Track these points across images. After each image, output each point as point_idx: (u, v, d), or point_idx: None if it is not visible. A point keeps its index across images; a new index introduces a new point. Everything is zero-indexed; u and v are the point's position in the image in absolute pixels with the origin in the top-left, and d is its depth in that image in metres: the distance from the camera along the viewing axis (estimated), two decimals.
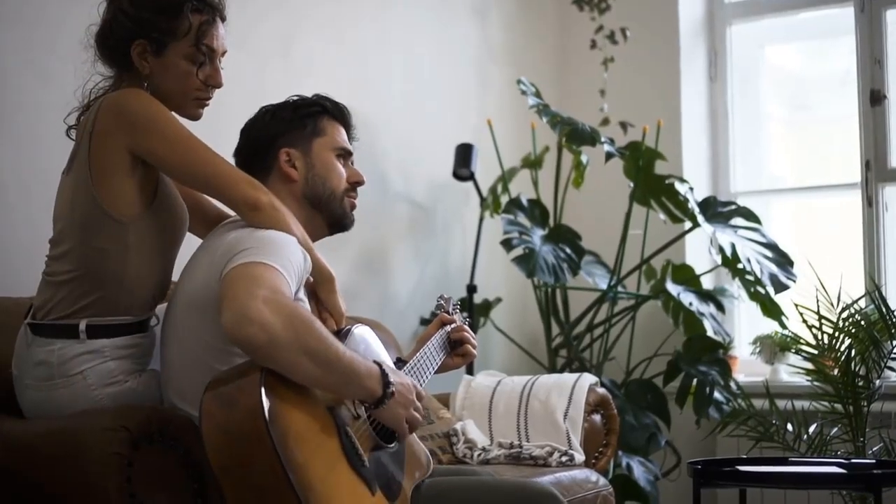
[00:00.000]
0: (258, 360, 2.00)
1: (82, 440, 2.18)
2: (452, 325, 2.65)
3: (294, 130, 2.47)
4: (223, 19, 2.46)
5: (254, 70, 3.71)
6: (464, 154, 4.30)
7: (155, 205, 2.36)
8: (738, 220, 4.30)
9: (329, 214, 2.48)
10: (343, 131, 2.54)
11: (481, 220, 4.43)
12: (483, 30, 4.85)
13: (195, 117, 2.46)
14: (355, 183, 2.53)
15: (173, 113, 2.40)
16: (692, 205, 4.16)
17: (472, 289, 4.29)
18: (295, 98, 2.53)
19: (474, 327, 4.37)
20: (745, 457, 3.32)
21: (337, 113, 2.53)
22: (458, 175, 4.33)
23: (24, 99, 3.08)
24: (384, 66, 4.36)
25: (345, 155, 2.52)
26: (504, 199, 4.44)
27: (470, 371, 4.09)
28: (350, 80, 4.18)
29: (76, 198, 2.33)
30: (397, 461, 2.26)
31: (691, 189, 4.25)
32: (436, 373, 2.59)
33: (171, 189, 2.43)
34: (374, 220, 4.27)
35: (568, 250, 4.23)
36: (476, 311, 4.39)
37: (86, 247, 2.31)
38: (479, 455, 3.37)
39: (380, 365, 2.15)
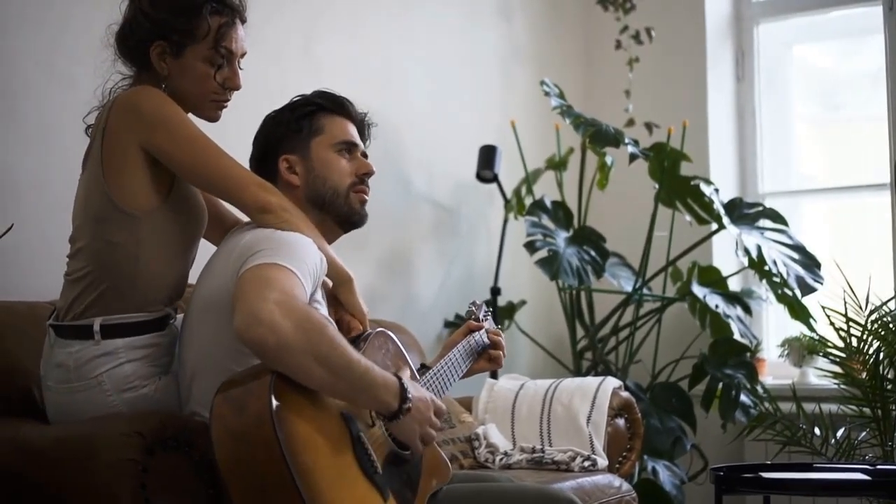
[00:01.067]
0: (268, 363, 1.98)
1: (96, 446, 2.17)
2: (488, 329, 2.62)
3: (291, 134, 2.44)
4: (243, 21, 2.44)
5: (273, 70, 3.69)
6: (487, 156, 4.27)
7: (170, 201, 2.35)
8: (764, 222, 4.25)
9: (336, 213, 2.44)
10: (346, 124, 2.48)
11: (505, 221, 4.40)
12: (507, 30, 4.82)
13: (213, 119, 2.45)
14: (364, 175, 2.47)
15: (191, 114, 2.40)
16: (717, 206, 4.12)
17: (495, 291, 4.27)
18: (296, 99, 2.50)
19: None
20: (768, 463, 3.28)
21: (335, 107, 2.48)
22: (481, 177, 4.30)
23: (40, 101, 3.08)
24: (407, 66, 4.34)
25: (348, 148, 2.47)
26: (528, 201, 4.41)
27: (494, 375, 4.06)
28: (372, 80, 4.16)
29: (89, 194, 2.33)
30: (414, 468, 2.23)
31: (717, 190, 4.20)
32: (461, 378, 2.56)
33: (189, 187, 2.41)
34: (396, 221, 4.26)
35: (592, 252, 4.19)
36: (500, 313, 4.37)
37: (98, 241, 2.31)
38: (501, 460, 3.34)
39: (399, 378, 2.11)
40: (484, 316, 2.66)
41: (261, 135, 2.49)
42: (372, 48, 4.20)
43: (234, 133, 2.54)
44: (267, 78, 3.49)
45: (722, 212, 4.12)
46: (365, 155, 2.52)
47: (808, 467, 3.16)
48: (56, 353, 2.34)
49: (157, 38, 2.35)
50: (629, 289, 4.38)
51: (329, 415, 2.05)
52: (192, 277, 2.46)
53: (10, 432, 2.36)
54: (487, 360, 2.62)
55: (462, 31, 4.62)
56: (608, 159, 4.33)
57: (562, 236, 4.22)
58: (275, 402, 1.92)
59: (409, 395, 2.10)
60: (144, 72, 2.40)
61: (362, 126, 2.53)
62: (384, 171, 4.20)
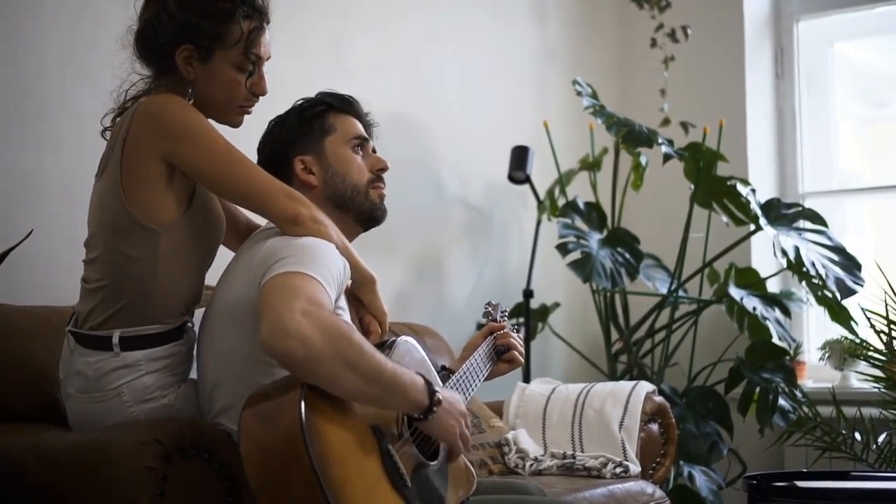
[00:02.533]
0: (297, 374, 1.95)
1: (114, 454, 2.13)
2: (499, 332, 2.60)
3: (303, 136, 2.40)
4: (268, 23, 2.38)
5: (302, 72, 3.65)
6: (519, 156, 4.22)
7: (190, 212, 2.30)
8: (803, 223, 4.17)
9: (357, 211, 2.41)
10: (355, 122, 2.46)
11: (538, 223, 4.34)
12: (541, 29, 4.77)
13: (235, 125, 2.39)
14: (379, 170, 2.45)
15: (212, 121, 2.34)
16: (754, 207, 4.03)
17: (528, 293, 4.20)
18: (300, 102, 2.47)
19: (532, 332, 4.30)
20: (804, 471, 3.20)
21: (343, 105, 2.46)
22: (513, 178, 4.25)
23: (66, 102, 3.05)
24: (438, 66, 4.30)
25: (362, 144, 2.44)
26: (561, 202, 4.35)
27: (527, 378, 4.01)
28: (403, 81, 4.13)
29: (106, 204, 2.28)
30: (441, 479, 2.20)
31: (753, 191, 4.12)
32: (483, 381, 2.54)
33: (207, 195, 2.36)
34: (428, 223, 4.22)
35: (626, 254, 4.13)
36: (533, 316, 4.31)
37: (115, 254, 2.26)
38: (531, 465, 3.29)
39: (423, 377, 2.09)
40: (501, 316, 2.65)
41: (269, 140, 2.45)
42: (403, 48, 4.16)
43: (256, 136, 2.50)
44: (295, 79, 3.43)
45: (759, 212, 4.04)
46: (374, 150, 2.49)
47: (844, 475, 3.08)
48: (76, 360, 2.30)
49: (183, 42, 2.28)
50: (664, 291, 4.31)
51: (359, 428, 2.02)
52: (211, 279, 2.43)
53: (30, 439, 2.34)
54: (507, 361, 2.60)
55: (495, 31, 4.57)
56: (642, 159, 4.26)
57: (595, 238, 4.16)
58: (305, 416, 1.89)
59: (437, 390, 2.09)
60: (165, 76, 2.34)
61: (367, 125, 2.51)
62: (415, 173, 4.19)
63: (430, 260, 4.25)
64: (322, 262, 2.12)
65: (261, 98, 2.39)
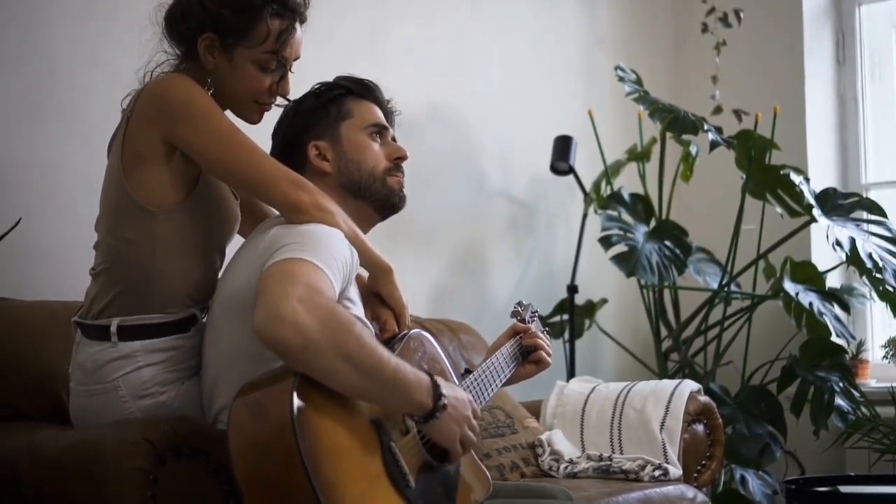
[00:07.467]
0: (291, 364, 1.85)
1: (103, 454, 2.05)
2: (533, 331, 2.50)
3: (319, 121, 2.31)
4: (303, 22, 2.31)
5: (338, 63, 3.51)
6: (562, 147, 4.09)
7: (192, 199, 2.22)
8: (861, 214, 3.97)
9: (375, 198, 2.31)
10: (374, 108, 2.36)
11: (585, 216, 4.19)
12: (589, 14, 4.64)
13: (253, 122, 2.33)
14: (398, 159, 2.34)
15: (229, 113, 2.28)
16: (808, 197, 3.85)
17: (572, 289, 4.06)
18: (317, 86, 2.37)
19: (579, 330, 4.16)
20: (851, 475, 3.03)
21: (362, 90, 2.36)
22: (555, 169, 4.13)
23: (90, 97, 2.96)
24: (480, 54, 4.17)
25: (380, 131, 2.35)
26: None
27: (570, 377, 3.88)
28: (442, 69, 4.01)
29: (110, 184, 2.23)
30: (450, 481, 2.09)
31: (807, 180, 3.94)
32: (508, 384, 2.44)
33: (217, 184, 2.29)
34: (470, 217, 4.11)
35: (674, 248, 3.96)
36: (579, 312, 4.17)
37: (114, 237, 2.21)
38: (566, 468, 3.14)
39: (431, 376, 1.98)
40: (530, 317, 2.54)
41: (284, 125, 2.37)
42: (442, 36, 4.04)
43: (273, 123, 2.39)
44: (327, 68, 3.33)
45: (813, 202, 3.85)
46: (394, 139, 2.39)
47: (892, 480, 2.90)
48: (80, 352, 2.24)
49: (208, 30, 2.23)
50: (715, 286, 4.13)
51: (357, 422, 1.91)
52: None
53: (25, 439, 2.25)
54: (534, 363, 2.48)
55: (541, 18, 4.44)
56: (692, 149, 4.09)
57: (641, 231, 4.00)
58: (297, 409, 1.79)
59: (443, 393, 1.97)
60: (189, 60, 2.27)
61: (388, 112, 2.41)
62: (456, 165, 4.07)
63: (471, 255, 4.13)
64: (326, 249, 2.02)
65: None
